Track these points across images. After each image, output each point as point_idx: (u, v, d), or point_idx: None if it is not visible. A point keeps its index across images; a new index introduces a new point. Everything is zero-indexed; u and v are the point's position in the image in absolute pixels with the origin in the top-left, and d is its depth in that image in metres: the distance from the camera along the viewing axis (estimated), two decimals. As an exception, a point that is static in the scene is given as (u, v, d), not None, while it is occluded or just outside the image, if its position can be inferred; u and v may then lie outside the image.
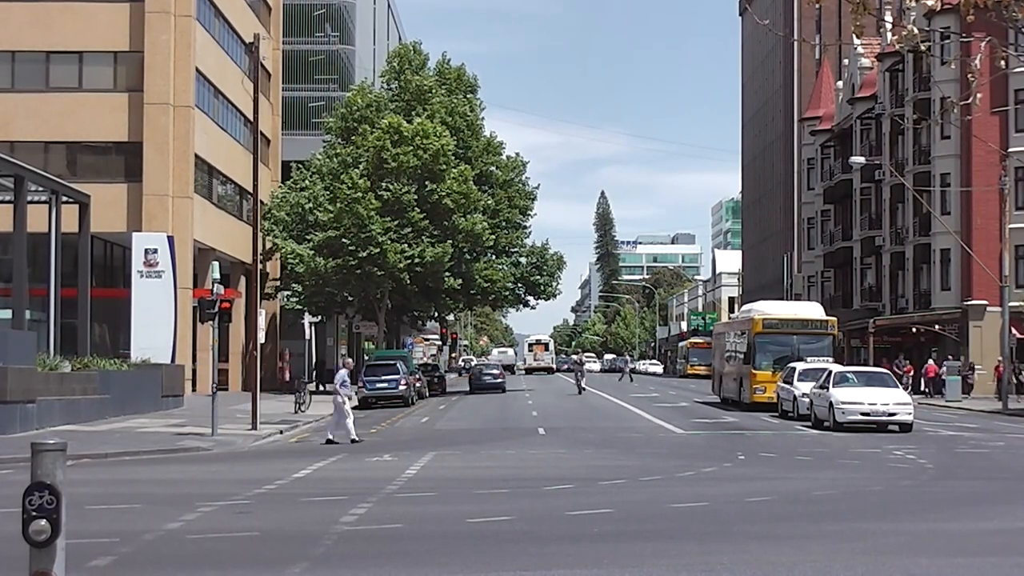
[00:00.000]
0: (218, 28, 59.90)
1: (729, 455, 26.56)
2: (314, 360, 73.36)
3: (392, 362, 54.21)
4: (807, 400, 38.09)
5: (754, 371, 45.47)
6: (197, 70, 55.13)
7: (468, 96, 68.90)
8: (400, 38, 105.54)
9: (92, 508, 16.37)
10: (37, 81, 53.82)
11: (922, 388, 60.72)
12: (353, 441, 30.36)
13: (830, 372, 37.37)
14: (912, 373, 62.37)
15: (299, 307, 65.72)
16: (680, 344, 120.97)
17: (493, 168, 67.71)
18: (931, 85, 64.27)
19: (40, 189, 39.93)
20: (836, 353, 46.84)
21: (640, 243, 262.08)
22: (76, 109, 53.18)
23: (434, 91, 66.54)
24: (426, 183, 60.94)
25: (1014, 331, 55.49)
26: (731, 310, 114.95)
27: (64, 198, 41.17)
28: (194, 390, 51.85)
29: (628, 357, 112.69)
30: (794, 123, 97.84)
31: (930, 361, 61.88)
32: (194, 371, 53.39)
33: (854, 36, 9.57)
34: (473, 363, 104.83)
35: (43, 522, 7.31)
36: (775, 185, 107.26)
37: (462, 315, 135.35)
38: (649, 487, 20.36)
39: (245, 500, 17.96)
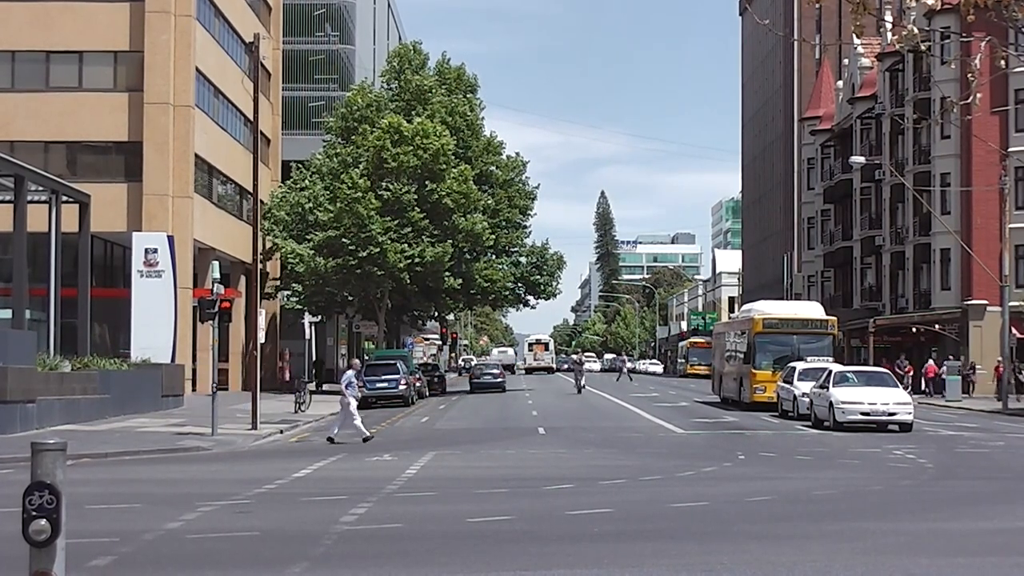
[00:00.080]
0: (218, 28, 59.90)
1: (729, 455, 26.57)
2: (313, 359, 73.29)
3: (392, 362, 54.24)
4: (807, 400, 38.09)
5: (754, 371, 45.47)
6: (197, 70, 55.12)
7: (468, 96, 68.89)
8: (400, 38, 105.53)
9: (92, 508, 16.37)
10: (37, 81, 53.82)
11: (923, 388, 60.72)
12: (365, 440, 30.36)
13: (830, 372, 37.38)
14: (912, 373, 62.40)
15: (299, 307, 65.72)
16: (680, 344, 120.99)
17: (493, 168, 67.70)
18: (931, 85, 64.27)
19: (40, 189, 39.92)
20: (836, 353, 46.84)
21: (640, 243, 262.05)
22: (76, 109, 53.18)
23: (434, 91, 66.53)
24: (426, 183, 60.94)
25: (1014, 331, 55.49)
26: (731, 310, 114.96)
27: (64, 198, 41.17)
28: (194, 390, 51.86)
29: (625, 357, 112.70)
30: (794, 123, 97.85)
31: (930, 361, 61.91)
32: (194, 371, 53.40)
33: (854, 36, 9.57)
34: (473, 363, 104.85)
35: (43, 522, 7.31)
36: (775, 185, 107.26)
37: (462, 315, 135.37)
38: (649, 487, 20.36)
39: (245, 500, 17.96)
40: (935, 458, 25.99)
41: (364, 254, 59.19)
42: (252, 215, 40.11)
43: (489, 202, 65.32)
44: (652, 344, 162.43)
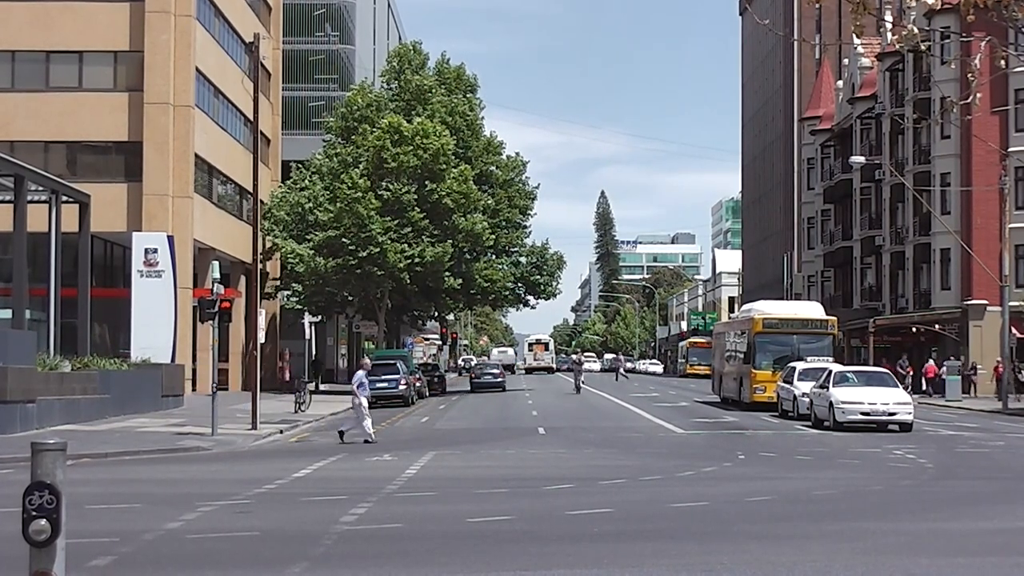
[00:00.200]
0: (218, 28, 59.89)
1: (729, 455, 26.57)
2: (312, 359, 73.29)
3: (392, 362, 54.24)
4: (807, 400, 38.10)
5: (754, 371, 45.47)
6: (197, 70, 55.12)
7: (468, 96, 68.91)
8: (400, 38, 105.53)
9: (92, 508, 16.37)
10: (37, 81, 53.82)
11: (923, 388, 60.72)
12: (366, 441, 30.35)
13: (830, 372, 37.38)
14: (912, 373, 62.39)
15: (299, 307, 65.72)
16: (680, 344, 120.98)
17: (493, 168, 67.72)
18: (931, 85, 64.27)
19: (40, 189, 39.92)
20: (836, 353, 46.85)
21: (640, 243, 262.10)
22: (76, 109, 53.18)
23: (434, 91, 66.54)
24: (426, 183, 60.94)
25: (1014, 331, 55.49)
26: (731, 310, 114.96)
27: (64, 198, 41.16)
28: (194, 390, 51.85)
29: (621, 357, 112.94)
30: (794, 123, 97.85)
31: (930, 361, 61.91)
32: (194, 371, 53.39)
33: (854, 36, 9.57)
34: (473, 363, 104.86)
35: (43, 522, 7.31)
36: (775, 185, 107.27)
37: (462, 315, 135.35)
38: (649, 487, 20.36)
39: (245, 500, 17.96)
40: (935, 458, 26.00)
41: (364, 254, 59.19)
42: (252, 215, 40.10)
43: (489, 202, 65.33)
44: (652, 344, 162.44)
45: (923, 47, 9.98)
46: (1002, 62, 10.04)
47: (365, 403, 31.48)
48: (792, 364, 42.69)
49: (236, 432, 33.06)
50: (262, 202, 53.87)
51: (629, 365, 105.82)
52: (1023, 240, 60.90)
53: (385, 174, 60.55)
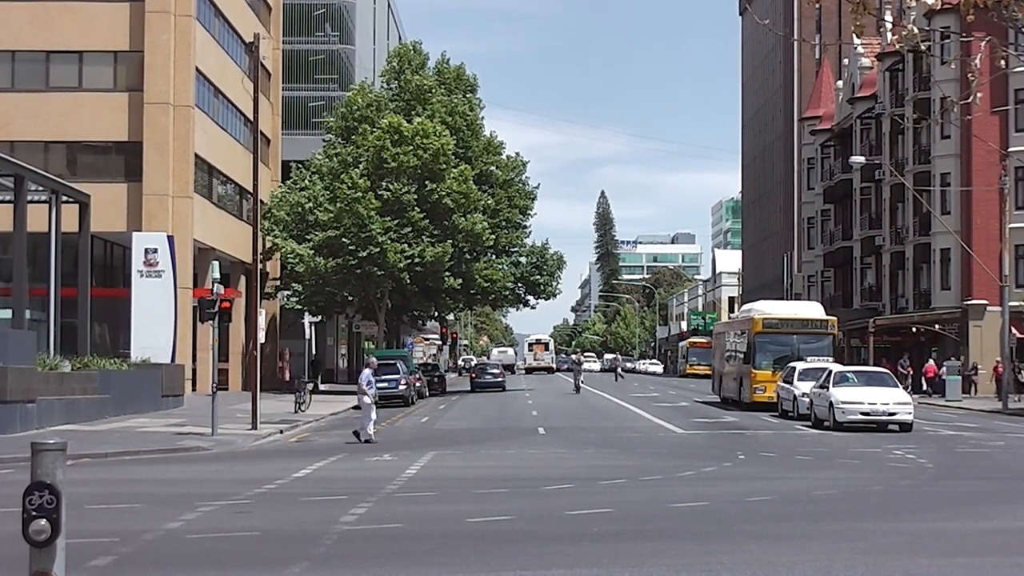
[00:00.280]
0: (218, 28, 59.89)
1: (729, 455, 26.57)
2: (312, 359, 73.25)
3: (392, 362, 54.18)
4: (807, 400, 38.10)
5: (754, 371, 45.47)
6: (197, 70, 55.12)
7: (468, 95, 68.92)
8: (400, 38, 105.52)
9: (92, 508, 16.37)
10: (37, 81, 53.82)
11: (923, 388, 60.72)
12: (366, 441, 30.31)
13: (830, 372, 37.38)
14: (912, 373, 62.40)
15: (299, 307, 65.71)
16: (680, 344, 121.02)
17: (493, 168, 67.72)
18: (931, 85, 64.27)
19: (40, 189, 39.91)
20: (836, 353, 46.86)
21: (640, 243, 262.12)
22: (76, 109, 53.18)
23: (434, 91, 66.54)
24: (426, 183, 60.94)
25: (1014, 331, 55.49)
26: (731, 310, 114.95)
27: (64, 198, 41.16)
28: (194, 390, 51.85)
29: (619, 357, 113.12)
30: (794, 123, 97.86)
31: (930, 361, 61.91)
32: (194, 371, 53.39)
33: (854, 36, 9.57)
34: (473, 362, 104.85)
35: (43, 522, 7.30)
36: (775, 185, 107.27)
37: (462, 315, 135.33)
38: (649, 487, 20.36)
39: (245, 500, 17.96)
40: (935, 458, 26.00)
41: (364, 254, 59.19)
42: (252, 215, 40.09)
43: (489, 202, 65.33)
44: (652, 344, 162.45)
45: (923, 47, 9.98)
46: (1002, 62, 10.04)
47: (371, 402, 31.46)
48: (792, 364, 42.69)
49: (236, 432, 33.06)
50: (262, 202, 53.86)
51: (629, 365, 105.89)
52: (1023, 240, 60.91)
53: (385, 174, 60.56)
